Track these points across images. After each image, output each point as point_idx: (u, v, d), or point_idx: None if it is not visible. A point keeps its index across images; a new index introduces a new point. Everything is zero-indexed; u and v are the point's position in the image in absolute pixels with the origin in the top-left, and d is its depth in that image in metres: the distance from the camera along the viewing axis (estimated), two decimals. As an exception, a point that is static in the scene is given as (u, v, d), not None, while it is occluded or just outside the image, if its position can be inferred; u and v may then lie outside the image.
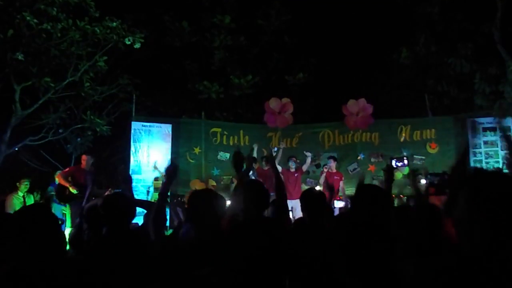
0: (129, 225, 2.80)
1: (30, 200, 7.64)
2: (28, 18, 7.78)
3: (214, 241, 2.25)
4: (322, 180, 8.71)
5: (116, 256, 2.35)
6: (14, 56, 7.98)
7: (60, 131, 9.97)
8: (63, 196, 6.94)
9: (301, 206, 3.24)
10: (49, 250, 1.95)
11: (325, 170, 8.77)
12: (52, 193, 7.47)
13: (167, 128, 9.49)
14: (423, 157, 9.74)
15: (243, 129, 10.31)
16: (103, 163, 10.23)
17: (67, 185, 6.86)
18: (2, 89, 9.01)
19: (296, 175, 8.83)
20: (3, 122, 8.79)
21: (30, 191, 7.77)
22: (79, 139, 10.25)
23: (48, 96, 8.89)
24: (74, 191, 6.80)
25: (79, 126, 9.78)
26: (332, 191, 4.74)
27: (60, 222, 2.14)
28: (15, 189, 7.46)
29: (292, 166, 8.93)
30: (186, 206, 2.76)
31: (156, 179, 9.05)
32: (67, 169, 7.30)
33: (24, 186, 7.51)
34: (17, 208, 7.42)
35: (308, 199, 3.22)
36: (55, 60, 8.61)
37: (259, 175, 8.33)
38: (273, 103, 9.68)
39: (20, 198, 7.41)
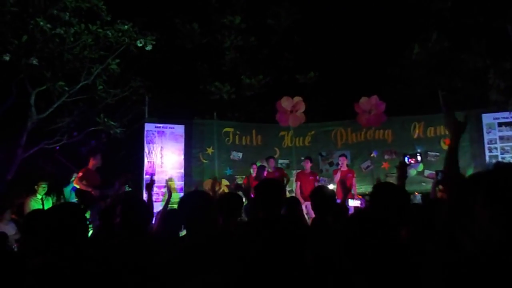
0: (145, 228, 2.79)
1: (48, 203, 7.67)
2: (41, 23, 7.80)
3: (209, 244, 2.20)
4: (336, 178, 8.73)
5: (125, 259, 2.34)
6: (29, 61, 8.03)
7: (75, 134, 10.02)
8: (85, 200, 7.08)
9: (311, 204, 3.26)
10: (78, 246, 2.03)
11: (341, 168, 8.73)
12: (75, 199, 7.51)
13: (180, 129, 9.60)
14: (437, 154, 9.69)
15: (255, 128, 10.44)
16: (117, 165, 10.26)
17: (89, 189, 7.11)
18: (17, 94, 9.08)
19: (311, 177, 8.91)
20: (19, 126, 8.86)
21: (47, 193, 7.80)
22: (93, 141, 10.28)
23: (63, 100, 8.90)
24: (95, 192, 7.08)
25: (93, 128, 9.80)
26: (347, 190, 4.75)
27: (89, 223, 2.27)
28: (33, 192, 7.53)
29: (307, 167, 9.01)
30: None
31: (170, 179, 9.15)
32: (80, 174, 7.39)
33: (42, 188, 7.57)
34: (36, 210, 7.55)
35: (317, 197, 3.22)
36: (68, 64, 8.66)
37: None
38: (285, 102, 9.74)
39: (39, 201, 7.48)
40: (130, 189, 6.75)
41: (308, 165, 9.06)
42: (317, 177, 9.17)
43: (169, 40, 10.91)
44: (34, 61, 8.06)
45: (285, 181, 8.71)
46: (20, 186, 8.49)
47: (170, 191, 5.38)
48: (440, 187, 4.38)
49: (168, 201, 4.83)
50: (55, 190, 8.43)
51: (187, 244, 2.33)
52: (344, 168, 8.81)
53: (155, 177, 8.99)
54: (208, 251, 2.12)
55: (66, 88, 8.74)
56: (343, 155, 9.07)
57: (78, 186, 7.23)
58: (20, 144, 8.76)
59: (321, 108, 11.26)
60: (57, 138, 9.54)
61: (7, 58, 7.82)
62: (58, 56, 8.51)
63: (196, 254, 2.11)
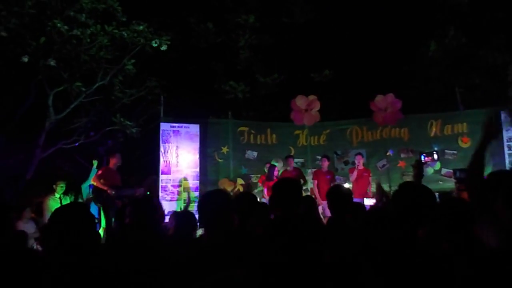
0: (156, 228, 2.82)
1: (66, 202, 7.76)
2: (58, 25, 7.89)
3: (228, 243, 2.20)
4: (352, 177, 8.68)
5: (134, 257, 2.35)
6: (47, 63, 8.14)
7: (92, 134, 10.13)
8: (101, 198, 7.15)
9: (328, 203, 3.23)
10: (86, 244, 2.07)
11: (358, 167, 8.69)
12: (90, 195, 7.67)
13: (195, 129, 9.58)
14: (455, 152, 9.54)
15: (270, 127, 10.38)
16: (133, 164, 10.35)
17: (105, 187, 7.10)
18: (36, 95, 9.23)
19: (328, 177, 8.86)
20: (37, 127, 8.99)
21: (65, 193, 7.92)
22: (109, 141, 10.40)
23: (80, 100, 9.00)
24: (111, 191, 7.05)
25: (110, 128, 9.87)
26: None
27: (96, 221, 2.28)
28: (52, 191, 7.66)
29: (325, 166, 8.97)
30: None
31: (185, 178, 9.21)
32: (99, 172, 7.44)
33: (60, 188, 7.70)
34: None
35: (334, 196, 3.19)
36: (85, 65, 8.76)
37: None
38: (300, 101, 9.67)
39: (57, 200, 7.60)
40: (149, 193, 6.85)
41: (325, 164, 9.01)
42: (334, 176, 9.15)
43: (183, 40, 10.95)
44: (51, 62, 8.18)
45: (301, 182, 8.46)
46: (39, 185, 8.67)
47: (189, 195, 5.27)
48: (460, 186, 4.32)
49: (188, 203, 4.80)
50: (73, 189, 8.55)
51: (205, 243, 2.33)
52: (361, 167, 8.72)
53: (171, 177, 9.13)
54: (228, 249, 2.12)
55: (83, 89, 8.81)
56: (359, 153, 8.93)
57: (95, 184, 7.26)
58: (39, 144, 8.87)
59: (336, 106, 11.24)
60: (74, 138, 9.67)
61: (26, 60, 7.94)
62: (75, 57, 8.61)
63: (215, 253, 2.11)
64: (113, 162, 7.55)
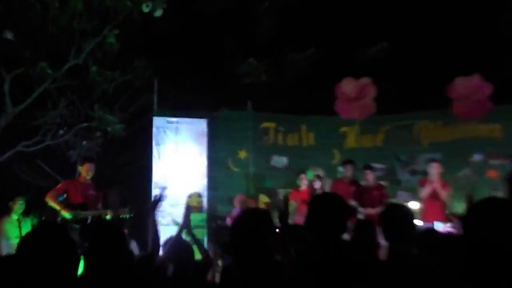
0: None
1: (27, 225, 7.90)
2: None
3: (264, 280, 2.35)
4: (424, 193, 8.47)
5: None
6: (2, 36, 8.20)
7: (61, 132, 10.08)
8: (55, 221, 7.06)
9: (380, 228, 3.29)
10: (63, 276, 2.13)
11: (432, 178, 8.46)
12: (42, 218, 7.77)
13: (200, 125, 9.59)
14: None
15: (306, 122, 10.39)
16: (115, 174, 10.39)
17: (58, 207, 6.99)
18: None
19: (375, 192, 8.75)
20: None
21: (25, 212, 8.02)
22: (84, 142, 10.37)
23: (45, 87, 9.00)
24: (67, 215, 6.91)
25: (85, 125, 9.88)
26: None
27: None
28: (8, 211, 7.76)
29: (370, 178, 8.91)
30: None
31: (189, 196, 9.21)
32: (59, 186, 7.40)
33: (18, 206, 7.81)
34: (12, 235, 7.78)
35: (385, 219, 3.25)
36: (53, 39, 8.77)
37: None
38: (347, 86, 9.73)
39: (15, 222, 7.83)
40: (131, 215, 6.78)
41: (370, 177, 8.89)
42: (384, 191, 8.96)
43: (184, 5, 10.88)
44: (9, 36, 8.21)
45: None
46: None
47: (188, 211, 5.29)
48: None
49: (185, 227, 4.81)
50: (36, 208, 8.39)
51: (236, 277, 2.50)
52: (436, 178, 8.40)
53: (167, 191, 9.09)
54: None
55: (50, 71, 8.81)
56: (433, 160, 8.70)
57: (50, 202, 7.11)
58: (-11, 146, 8.96)
59: (398, 93, 10.98)
60: (38, 138, 9.66)
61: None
62: (40, 28, 8.65)
63: None
64: (82, 173, 7.46)
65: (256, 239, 2.47)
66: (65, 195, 7.17)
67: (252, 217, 2.64)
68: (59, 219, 6.99)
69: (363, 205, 8.66)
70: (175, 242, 4.28)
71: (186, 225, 4.76)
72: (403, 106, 10.56)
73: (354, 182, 9.09)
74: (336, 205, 2.86)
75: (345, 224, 2.87)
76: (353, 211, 8.06)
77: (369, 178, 8.90)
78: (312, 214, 2.88)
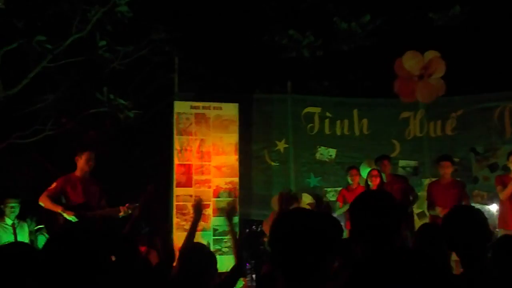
0: None
1: (24, 231, 8.13)
2: None
3: None
4: (505, 194, 8.39)
5: None
6: (-10, 4, 7.99)
7: (64, 120, 10.22)
8: (56, 227, 7.33)
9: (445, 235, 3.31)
10: None
11: None
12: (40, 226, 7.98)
13: (231, 110, 9.75)
14: None
15: (359, 107, 10.53)
16: (128, 169, 10.45)
17: (59, 209, 7.20)
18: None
19: (453, 190, 8.82)
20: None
21: (20, 216, 8.09)
22: (91, 132, 10.48)
23: (43, 66, 8.95)
24: (70, 217, 7.15)
25: (92, 111, 9.85)
26: None
27: None
28: (0, 216, 7.88)
29: (447, 172, 8.95)
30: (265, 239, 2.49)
31: (218, 196, 9.54)
32: (53, 185, 7.42)
33: (10, 210, 7.87)
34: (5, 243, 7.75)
35: (453, 224, 3.27)
36: (52, 8, 8.86)
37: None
38: (410, 61, 9.70)
39: (9, 228, 7.90)
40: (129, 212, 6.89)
41: (449, 170, 8.92)
42: (464, 190, 8.98)
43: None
44: (-1, 3, 7.90)
45: (411, 198, 9.00)
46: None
47: (199, 210, 5.51)
48: None
49: (193, 230, 5.15)
50: (34, 210, 8.49)
51: None
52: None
53: (192, 191, 9.60)
54: None
55: (49, 46, 8.81)
56: (517, 153, 8.35)
57: (43, 204, 7.29)
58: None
59: (472, 70, 11.04)
60: (35, 127, 9.71)
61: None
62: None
63: None
64: (80, 165, 7.56)
65: (298, 247, 2.24)
66: (62, 197, 7.41)
67: (293, 219, 2.41)
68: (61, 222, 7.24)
69: (434, 206, 8.80)
70: (190, 250, 4.36)
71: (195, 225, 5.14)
72: (480, 86, 10.66)
73: (457, 183, 9.05)
74: (388, 205, 2.81)
75: (396, 228, 2.82)
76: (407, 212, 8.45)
77: (448, 172, 8.88)
78: (358, 219, 2.85)
